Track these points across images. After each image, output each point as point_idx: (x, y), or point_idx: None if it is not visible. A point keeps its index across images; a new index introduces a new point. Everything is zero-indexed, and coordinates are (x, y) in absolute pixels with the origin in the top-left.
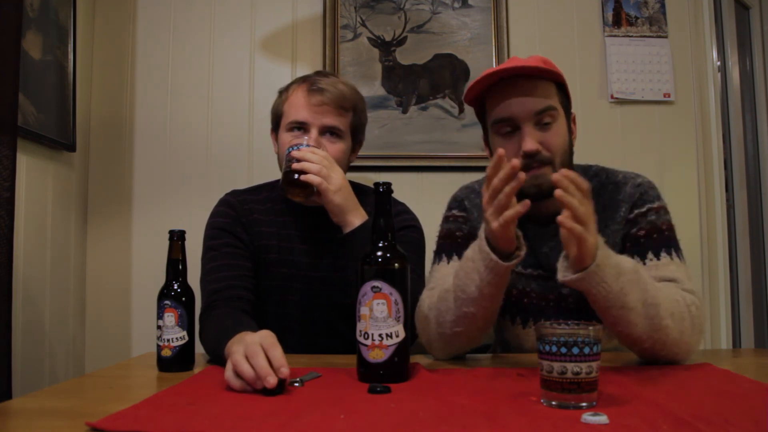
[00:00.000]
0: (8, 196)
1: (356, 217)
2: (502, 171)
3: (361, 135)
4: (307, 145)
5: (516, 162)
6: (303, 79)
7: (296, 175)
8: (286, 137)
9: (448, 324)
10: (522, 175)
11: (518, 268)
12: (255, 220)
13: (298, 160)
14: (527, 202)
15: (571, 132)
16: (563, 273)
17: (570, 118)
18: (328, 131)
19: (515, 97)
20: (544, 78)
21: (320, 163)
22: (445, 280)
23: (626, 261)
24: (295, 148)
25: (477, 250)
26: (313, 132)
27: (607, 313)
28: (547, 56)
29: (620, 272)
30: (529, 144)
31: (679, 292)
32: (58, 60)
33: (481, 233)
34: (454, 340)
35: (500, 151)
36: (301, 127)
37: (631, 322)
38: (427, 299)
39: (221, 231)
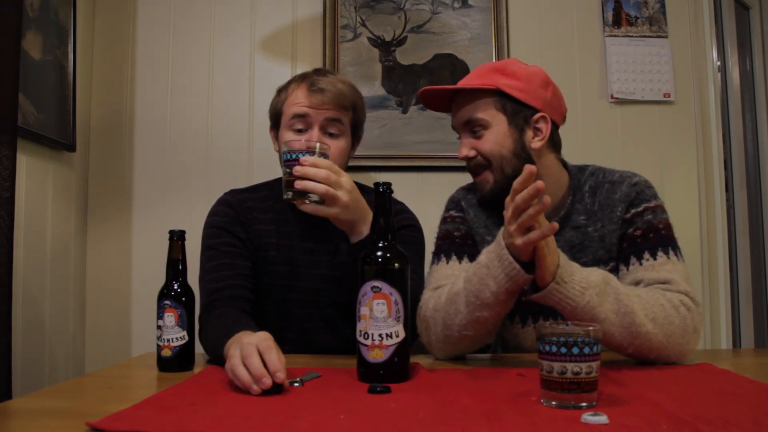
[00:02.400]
0: (8, 196)
1: (365, 226)
2: (526, 191)
3: (360, 131)
4: (308, 152)
5: (540, 184)
6: (302, 78)
7: (306, 198)
8: (287, 135)
9: (457, 327)
10: (547, 199)
11: None
12: (254, 219)
13: (301, 175)
14: (555, 225)
15: (517, 136)
16: (526, 291)
17: (528, 122)
18: (329, 129)
19: (454, 109)
20: (482, 90)
21: (326, 179)
22: (446, 281)
23: (594, 274)
24: (294, 156)
25: (495, 258)
26: (315, 129)
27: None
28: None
29: (586, 287)
30: (461, 151)
31: (666, 296)
32: (58, 60)
33: (500, 241)
34: (460, 343)
35: (532, 167)
36: (303, 123)
37: (606, 332)
38: (432, 300)
39: (220, 230)
